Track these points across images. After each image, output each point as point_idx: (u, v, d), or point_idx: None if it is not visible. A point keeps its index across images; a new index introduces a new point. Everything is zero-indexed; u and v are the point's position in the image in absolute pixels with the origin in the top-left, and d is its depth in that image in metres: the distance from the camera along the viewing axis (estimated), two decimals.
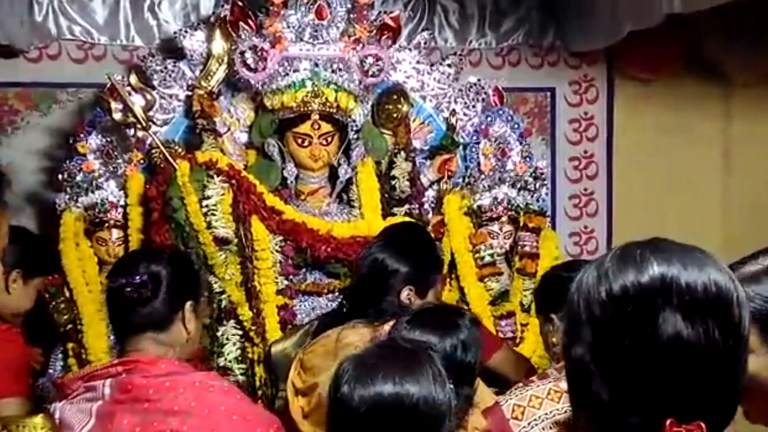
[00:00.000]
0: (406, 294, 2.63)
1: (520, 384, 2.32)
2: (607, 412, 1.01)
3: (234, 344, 3.03)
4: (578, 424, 1.09)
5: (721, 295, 1.00)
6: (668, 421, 0.95)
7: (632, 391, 0.99)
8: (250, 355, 3.03)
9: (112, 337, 3.13)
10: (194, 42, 3.35)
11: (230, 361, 2.99)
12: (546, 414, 2.13)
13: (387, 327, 2.39)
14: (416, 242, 2.80)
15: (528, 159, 3.51)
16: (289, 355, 2.80)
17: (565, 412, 2.14)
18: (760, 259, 1.37)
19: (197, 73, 3.32)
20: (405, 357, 1.59)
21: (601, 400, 1.01)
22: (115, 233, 3.25)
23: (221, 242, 3.00)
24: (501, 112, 3.53)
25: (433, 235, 3.21)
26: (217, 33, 3.27)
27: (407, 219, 3.24)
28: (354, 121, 3.31)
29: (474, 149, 3.49)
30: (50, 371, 3.19)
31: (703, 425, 0.96)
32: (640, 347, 0.98)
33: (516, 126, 3.54)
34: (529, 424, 2.12)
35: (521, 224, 3.46)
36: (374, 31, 3.26)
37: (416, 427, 1.51)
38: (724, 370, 1.00)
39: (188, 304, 1.95)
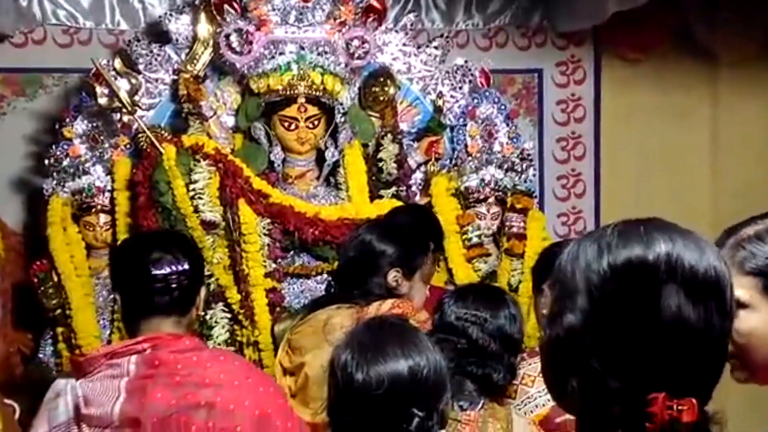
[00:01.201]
0: (393, 276, 2.64)
1: None
2: (598, 380, 1.02)
3: (223, 327, 3.04)
4: (564, 392, 1.09)
5: (719, 279, 1.01)
6: (661, 396, 0.96)
7: (626, 363, 1.00)
8: (239, 338, 3.05)
9: (101, 321, 3.16)
10: (179, 25, 3.35)
11: (219, 344, 3.00)
12: (539, 392, 2.16)
13: (371, 308, 2.42)
14: (406, 224, 2.81)
15: (515, 140, 3.52)
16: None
17: None
18: (759, 222, 1.38)
19: (183, 56, 3.32)
20: (399, 332, 1.63)
21: (592, 368, 1.02)
22: (103, 218, 3.25)
23: (209, 226, 3.01)
24: (488, 93, 3.54)
25: None
26: (202, 16, 3.27)
27: (397, 201, 3.25)
28: (341, 103, 3.32)
29: (461, 131, 3.49)
30: (40, 356, 3.20)
31: (694, 402, 0.96)
32: (640, 321, 0.99)
33: (503, 107, 3.55)
34: (522, 402, 2.15)
35: (508, 205, 3.47)
36: (359, 14, 3.26)
37: (429, 395, 1.56)
38: (717, 351, 1.02)
39: (203, 289, 2.01)
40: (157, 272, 1.91)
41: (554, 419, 2.13)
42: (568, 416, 2.10)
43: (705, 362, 1.01)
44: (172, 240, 2.06)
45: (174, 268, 1.91)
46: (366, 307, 2.42)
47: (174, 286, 1.91)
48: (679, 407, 0.96)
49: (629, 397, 0.99)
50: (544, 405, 2.15)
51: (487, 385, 2.02)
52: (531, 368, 2.21)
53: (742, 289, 1.29)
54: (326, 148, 3.28)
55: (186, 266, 1.91)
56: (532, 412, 2.15)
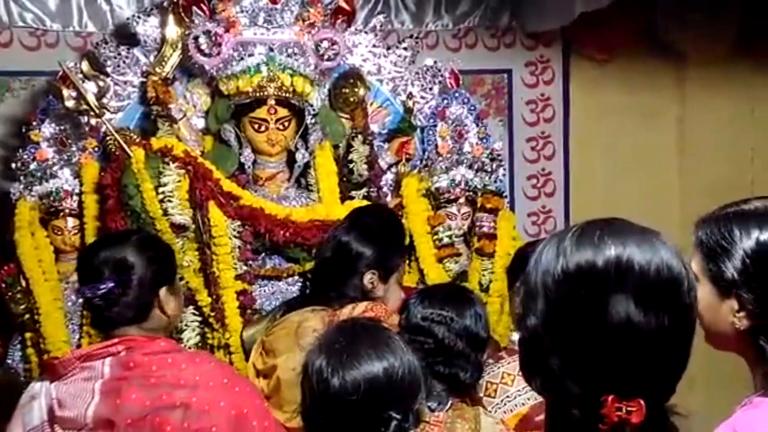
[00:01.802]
0: (369, 278, 2.66)
1: (491, 360, 2.35)
2: (556, 381, 1.05)
3: (193, 330, 3.03)
4: (533, 389, 1.13)
5: (673, 279, 1.03)
6: (610, 398, 0.99)
7: (579, 365, 1.03)
8: (210, 341, 3.03)
9: (70, 326, 3.13)
10: (148, 28, 3.32)
11: (190, 347, 2.98)
12: (518, 391, 2.17)
13: (344, 311, 2.42)
14: (381, 226, 2.82)
15: (485, 140, 3.53)
16: (257, 340, 2.83)
17: None
18: (726, 207, 1.44)
19: (151, 59, 3.29)
20: (372, 334, 1.63)
21: (551, 369, 1.05)
22: (71, 222, 3.22)
23: (178, 229, 2.99)
24: (457, 94, 3.55)
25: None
26: (171, 18, 3.25)
27: (368, 202, 3.26)
28: (311, 105, 3.31)
29: (431, 132, 3.50)
30: (8, 361, 3.16)
31: (642, 402, 0.99)
32: (589, 326, 1.02)
33: (472, 108, 3.56)
34: (502, 401, 2.16)
35: (479, 205, 3.49)
36: (328, 15, 3.26)
37: (405, 396, 1.57)
38: (671, 352, 1.04)
39: (163, 291, 1.97)
40: (88, 294, 1.94)
41: (534, 418, 2.15)
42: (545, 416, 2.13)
43: (657, 362, 1.03)
44: (108, 255, 1.98)
45: (91, 292, 1.92)
46: (339, 311, 2.42)
47: (105, 304, 1.91)
48: (628, 408, 0.98)
49: (584, 399, 1.01)
50: (523, 404, 2.17)
51: (455, 384, 2.04)
52: (510, 367, 2.22)
53: (694, 263, 1.40)
54: (297, 149, 3.27)
55: (108, 286, 1.90)
56: (511, 410, 2.17)
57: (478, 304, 2.19)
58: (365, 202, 3.26)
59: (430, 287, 2.36)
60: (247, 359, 2.91)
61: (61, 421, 1.88)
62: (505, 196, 3.65)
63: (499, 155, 3.58)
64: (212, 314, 3.00)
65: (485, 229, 3.46)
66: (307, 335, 2.29)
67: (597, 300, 1.01)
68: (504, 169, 3.72)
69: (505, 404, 2.19)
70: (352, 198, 3.30)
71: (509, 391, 2.20)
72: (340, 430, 1.56)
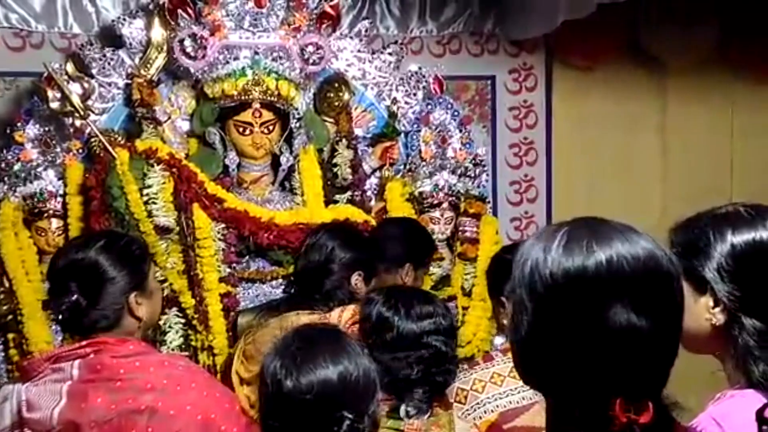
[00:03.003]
0: (355, 279, 2.68)
1: (466, 366, 2.36)
2: (554, 384, 1.06)
3: (177, 332, 3.03)
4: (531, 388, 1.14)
5: (664, 278, 1.05)
6: (618, 401, 0.99)
7: (579, 370, 1.03)
8: (193, 343, 3.03)
9: (53, 327, 3.12)
10: (133, 29, 3.33)
11: (173, 350, 2.99)
12: (488, 398, 2.17)
13: (334, 314, 2.42)
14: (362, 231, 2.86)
15: (468, 146, 3.56)
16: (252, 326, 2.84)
17: (507, 395, 2.19)
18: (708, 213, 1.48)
19: (136, 61, 3.30)
20: (328, 338, 1.64)
21: (546, 372, 1.06)
22: (55, 223, 3.22)
23: (162, 231, 3.00)
24: (441, 100, 3.58)
25: (375, 221, 3.25)
26: (156, 21, 3.26)
27: (351, 206, 3.27)
28: (296, 109, 3.33)
29: (415, 137, 3.53)
30: None
31: (650, 403, 1.00)
32: (586, 330, 1.02)
33: (456, 114, 3.59)
34: (471, 407, 2.17)
35: (462, 210, 3.52)
36: (314, 20, 3.28)
37: (359, 399, 1.58)
38: (669, 348, 1.06)
39: (132, 297, 1.94)
40: (50, 307, 1.93)
41: (502, 425, 2.15)
42: (516, 423, 2.15)
43: (659, 362, 1.04)
44: (72, 263, 1.94)
45: (56, 306, 1.91)
46: (328, 314, 2.42)
47: (72, 315, 1.90)
48: (637, 410, 0.99)
49: (588, 400, 1.02)
50: (492, 411, 2.17)
51: (440, 389, 2.04)
52: (482, 373, 2.21)
53: None
54: (281, 153, 3.29)
55: (72, 299, 1.88)
56: (481, 417, 2.16)
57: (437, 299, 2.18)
58: (349, 206, 3.29)
59: (391, 293, 2.17)
60: (235, 341, 2.90)
61: (30, 423, 1.86)
62: (488, 202, 3.69)
63: (482, 161, 3.61)
64: (196, 316, 3.01)
65: (468, 234, 3.49)
66: None
67: (593, 307, 1.02)
68: (487, 175, 3.75)
69: (474, 410, 2.18)
70: (336, 202, 3.32)
71: (479, 397, 2.20)
72: (293, 431, 1.57)
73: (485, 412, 2.18)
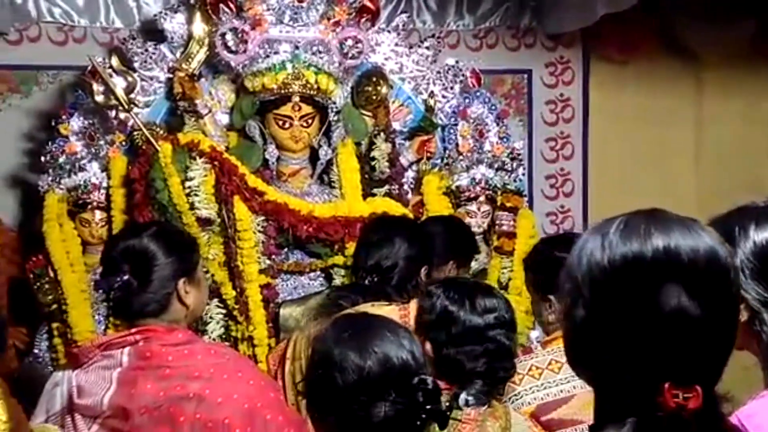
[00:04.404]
0: (423, 273, 2.68)
1: None
2: (607, 371, 1.06)
3: (218, 323, 3.08)
4: (580, 378, 1.14)
5: (721, 268, 1.05)
6: (666, 385, 1.00)
7: (631, 355, 1.03)
8: (234, 334, 3.08)
9: (96, 316, 3.18)
10: (175, 24, 3.38)
11: (214, 340, 3.03)
12: (525, 390, 2.18)
13: (413, 304, 2.39)
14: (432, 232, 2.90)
15: (505, 140, 3.57)
16: (297, 318, 2.87)
17: (544, 387, 2.20)
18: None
19: (178, 55, 3.34)
20: (381, 323, 1.64)
21: (601, 359, 1.06)
22: (98, 214, 3.28)
23: (204, 223, 3.04)
24: (478, 93, 3.59)
25: (412, 215, 3.27)
26: (198, 15, 3.30)
27: (389, 199, 3.29)
28: (334, 102, 3.36)
29: (452, 130, 3.54)
30: (35, 351, 3.23)
31: (699, 389, 1.00)
32: (640, 316, 1.03)
33: (493, 107, 3.60)
34: (509, 398, 2.18)
35: (498, 204, 3.52)
36: (353, 14, 3.30)
37: (402, 384, 1.54)
38: (722, 338, 1.05)
39: (181, 282, 1.97)
40: (102, 286, 1.97)
41: (539, 417, 2.16)
42: (553, 415, 2.15)
43: (710, 350, 1.04)
44: (126, 246, 1.98)
45: (108, 284, 1.94)
46: (407, 304, 2.37)
47: (123, 295, 1.93)
48: (685, 395, 1.00)
49: (638, 386, 1.03)
50: (530, 403, 2.17)
51: (502, 382, 2.02)
52: (521, 365, 2.21)
53: None
54: (320, 146, 3.32)
55: (123, 279, 1.91)
56: (518, 409, 2.16)
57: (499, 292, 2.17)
58: (387, 199, 3.30)
59: (451, 284, 2.15)
60: (278, 338, 2.92)
61: (80, 409, 1.90)
62: (525, 195, 3.69)
63: (519, 154, 3.61)
64: (236, 307, 3.05)
65: (505, 228, 3.50)
66: None
67: (647, 291, 1.03)
68: (523, 169, 3.75)
69: (512, 402, 2.18)
70: (373, 195, 3.35)
71: (517, 389, 2.21)
72: (342, 417, 1.54)
73: (522, 404, 2.19)
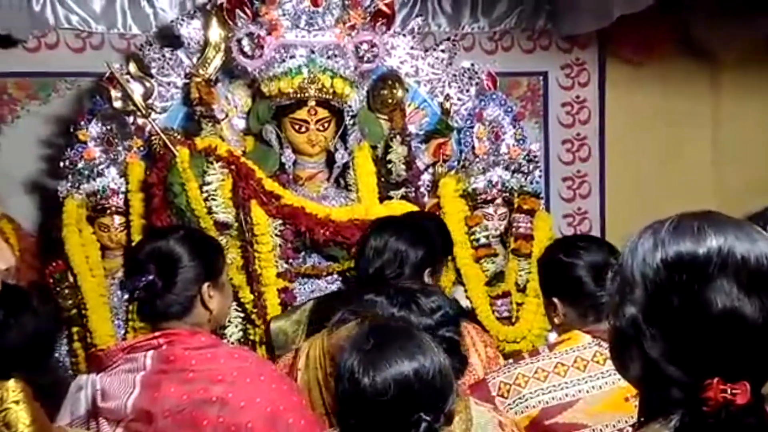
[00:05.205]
0: (426, 276, 2.67)
1: (511, 360, 2.37)
2: (656, 367, 1.07)
3: (236, 326, 3.09)
4: (628, 376, 1.15)
5: None
6: (715, 380, 1.01)
7: (681, 351, 1.05)
8: (252, 337, 3.09)
9: (115, 321, 3.21)
10: (191, 30, 3.39)
11: (232, 343, 3.04)
12: (531, 393, 2.17)
13: None
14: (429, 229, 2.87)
15: (521, 142, 3.56)
16: (286, 332, 2.86)
17: (550, 391, 2.19)
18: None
19: (194, 60, 3.36)
20: (402, 334, 1.65)
21: (650, 355, 1.07)
22: (117, 219, 3.31)
23: (222, 227, 3.05)
24: (494, 96, 3.58)
25: None
26: (214, 21, 3.31)
27: (405, 203, 3.29)
28: (350, 106, 3.36)
29: (468, 133, 3.53)
30: (56, 355, 3.24)
31: (748, 385, 1.01)
32: (693, 313, 1.04)
33: (509, 110, 3.59)
34: (513, 401, 2.17)
35: (515, 206, 3.51)
36: (369, 18, 3.31)
37: (436, 397, 1.58)
38: None
39: (205, 286, 1.99)
40: (126, 286, 1.99)
41: (543, 421, 2.14)
42: (557, 419, 2.14)
43: (761, 347, 1.05)
44: (152, 248, 2.01)
45: (134, 284, 1.96)
46: None
47: (147, 296, 1.95)
48: (733, 391, 1.01)
49: (687, 382, 1.04)
50: (534, 406, 2.15)
51: (457, 378, 2.02)
52: (527, 368, 2.20)
53: None
54: (336, 150, 3.32)
55: (148, 279, 1.93)
56: (522, 412, 2.15)
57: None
58: (403, 202, 3.31)
59: (389, 293, 2.07)
60: (271, 353, 2.92)
61: (104, 412, 1.92)
62: (542, 198, 3.68)
63: (535, 157, 3.60)
64: (254, 311, 3.06)
65: (522, 230, 3.49)
66: None
67: (700, 288, 1.04)
68: (540, 171, 3.74)
69: (516, 405, 2.17)
70: (390, 198, 3.35)
71: (522, 392, 2.18)
72: (370, 431, 1.57)
73: (527, 407, 2.17)
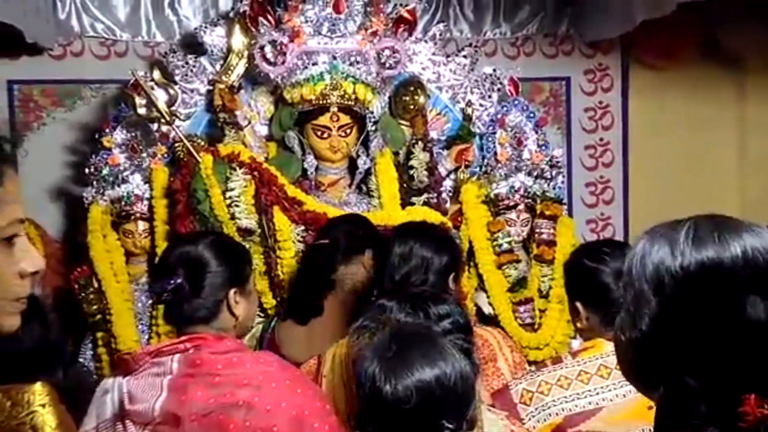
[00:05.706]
0: (450, 281, 2.66)
1: (534, 368, 2.36)
2: (677, 380, 1.03)
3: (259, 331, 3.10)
4: (647, 389, 1.12)
5: None
6: (752, 397, 0.98)
7: (708, 366, 1.01)
8: None
9: (140, 326, 3.23)
10: (214, 37, 3.42)
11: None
12: (553, 401, 2.16)
13: None
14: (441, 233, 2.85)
15: (544, 148, 3.55)
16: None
17: (573, 399, 2.18)
18: None
19: (218, 67, 3.39)
20: (424, 341, 1.64)
21: (670, 368, 1.04)
22: (141, 225, 3.33)
23: (245, 233, 3.07)
24: (516, 102, 3.58)
25: (451, 223, 3.26)
26: (237, 28, 3.34)
27: (428, 209, 3.28)
28: (372, 112, 3.37)
29: (490, 139, 3.53)
30: (80, 359, 3.28)
31: None
32: (722, 325, 1.00)
33: (531, 115, 3.58)
34: (536, 409, 2.16)
35: (538, 212, 3.50)
36: (390, 24, 3.32)
37: (458, 403, 1.57)
38: None
39: (232, 293, 2.00)
40: (155, 289, 2.01)
41: (567, 429, 2.13)
42: (581, 427, 2.13)
43: None
44: (181, 252, 2.03)
45: (162, 286, 1.97)
46: None
47: (175, 300, 1.97)
48: None
49: (714, 395, 1.01)
50: (557, 414, 2.14)
51: None
52: (549, 376, 2.19)
53: None
54: (358, 156, 3.33)
55: (177, 282, 1.94)
56: (545, 420, 2.14)
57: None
58: (425, 208, 3.30)
59: (401, 297, 2.07)
60: None
61: (131, 415, 1.93)
62: (564, 203, 3.66)
63: (558, 162, 3.59)
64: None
65: (545, 236, 3.48)
66: None
67: (729, 300, 1.00)
68: (562, 177, 3.73)
69: (539, 413, 2.15)
70: (412, 204, 3.35)
71: (545, 400, 2.17)
72: None
73: (550, 414, 2.15)
